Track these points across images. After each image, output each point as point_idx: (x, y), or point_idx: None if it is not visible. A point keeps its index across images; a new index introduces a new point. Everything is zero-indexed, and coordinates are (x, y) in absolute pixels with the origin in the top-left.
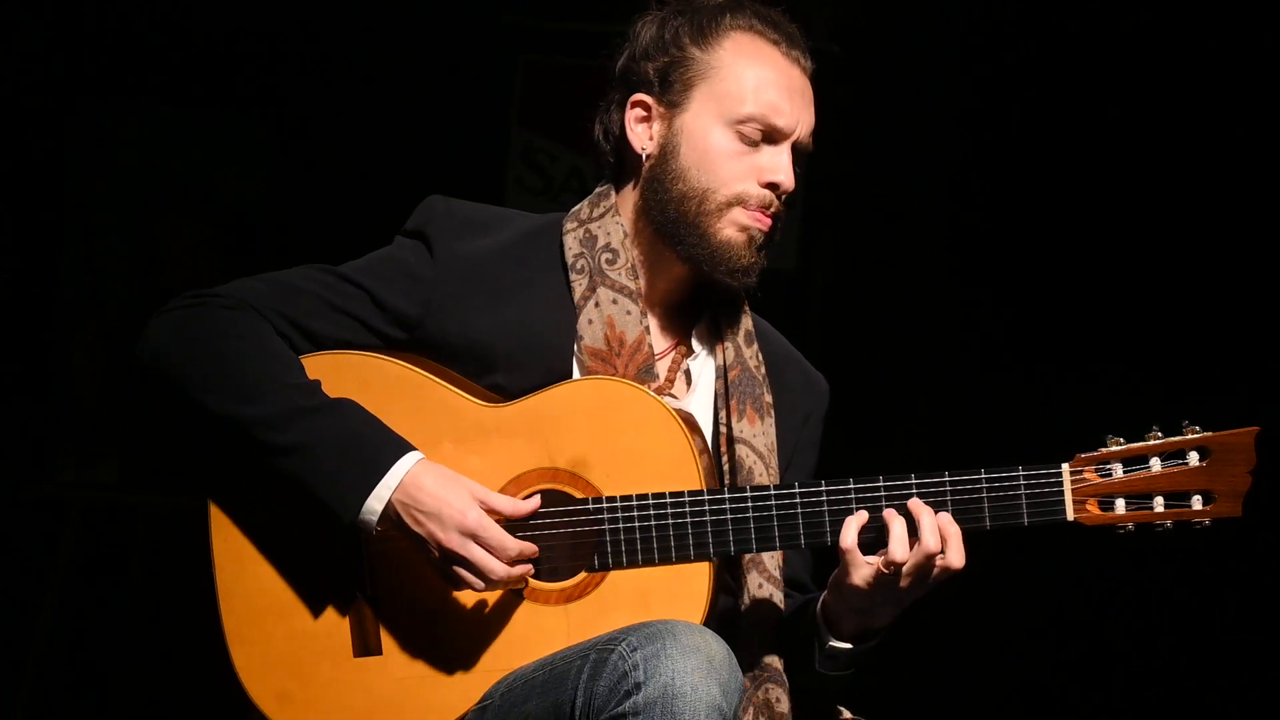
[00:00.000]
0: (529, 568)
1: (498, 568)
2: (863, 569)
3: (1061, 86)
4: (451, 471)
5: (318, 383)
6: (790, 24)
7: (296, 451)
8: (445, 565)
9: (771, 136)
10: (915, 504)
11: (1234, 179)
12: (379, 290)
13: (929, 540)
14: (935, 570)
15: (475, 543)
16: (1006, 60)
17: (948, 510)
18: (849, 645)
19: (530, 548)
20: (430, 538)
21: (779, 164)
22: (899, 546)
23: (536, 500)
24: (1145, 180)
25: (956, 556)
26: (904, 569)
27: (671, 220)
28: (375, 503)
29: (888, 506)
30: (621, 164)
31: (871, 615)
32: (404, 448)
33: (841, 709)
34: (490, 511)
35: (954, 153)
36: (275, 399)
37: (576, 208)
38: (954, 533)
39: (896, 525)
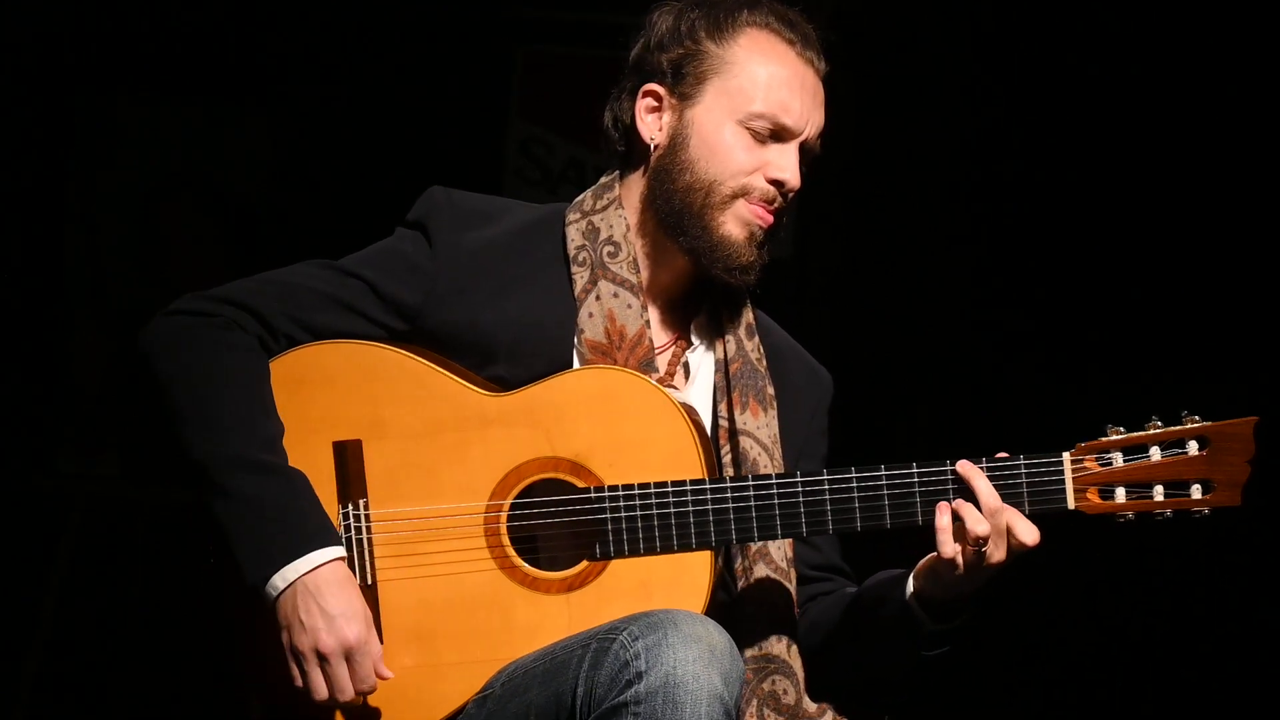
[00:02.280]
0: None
1: (347, 691)
2: (949, 548)
3: (1061, 80)
4: (358, 588)
5: (280, 445)
6: (806, 24)
7: (238, 499)
8: (300, 660)
9: (780, 135)
10: (965, 466)
11: (1232, 172)
12: (379, 281)
13: (990, 501)
14: (1006, 528)
15: (348, 662)
16: (1007, 53)
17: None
18: (949, 625)
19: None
20: (314, 631)
21: (785, 162)
22: (975, 521)
23: (388, 677)
24: (1145, 173)
25: (1016, 520)
26: (983, 537)
27: (676, 211)
28: (291, 573)
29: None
30: (629, 153)
31: (960, 588)
32: (334, 539)
33: (827, 708)
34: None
35: (954, 143)
36: (237, 443)
37: (580, 198)
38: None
39: (965, 504)
